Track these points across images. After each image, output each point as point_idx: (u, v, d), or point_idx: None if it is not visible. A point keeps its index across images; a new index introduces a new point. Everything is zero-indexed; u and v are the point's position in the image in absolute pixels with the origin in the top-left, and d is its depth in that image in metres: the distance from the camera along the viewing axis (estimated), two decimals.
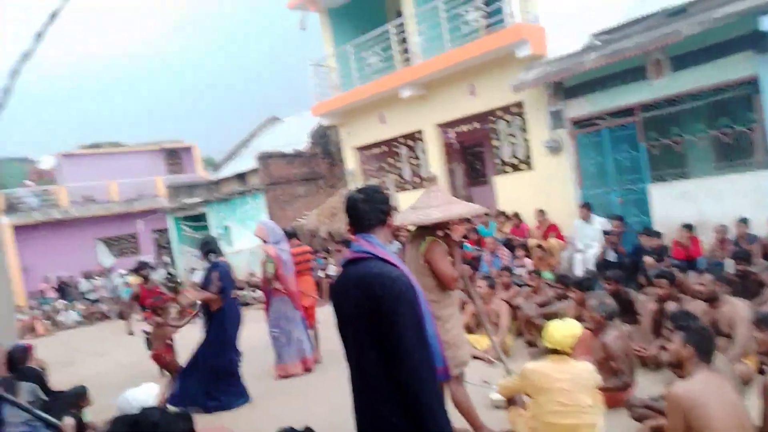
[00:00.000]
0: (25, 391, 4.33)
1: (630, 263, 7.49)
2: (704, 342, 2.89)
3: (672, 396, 2.83)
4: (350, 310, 2.18)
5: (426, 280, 3.87)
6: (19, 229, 19.77)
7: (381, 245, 2.22)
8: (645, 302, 5.62)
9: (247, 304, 12.47)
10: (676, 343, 2.93)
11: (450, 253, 4.10)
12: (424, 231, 3.91)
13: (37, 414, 0.92)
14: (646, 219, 8.41)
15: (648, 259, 7.15)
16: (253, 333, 7.21)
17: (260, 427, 5.01)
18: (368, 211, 2.28)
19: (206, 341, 5.79)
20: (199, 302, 6.06)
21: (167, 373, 6.40)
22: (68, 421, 0.84)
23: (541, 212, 9.04)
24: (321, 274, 11.81)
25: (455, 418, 4.14)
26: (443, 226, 3.98)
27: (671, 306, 5.19)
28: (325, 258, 12.29)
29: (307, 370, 6.59)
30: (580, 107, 8.85)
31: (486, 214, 9.80)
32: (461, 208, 4.03)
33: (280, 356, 6.53)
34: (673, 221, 7.58)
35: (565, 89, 8.91)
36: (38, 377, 4.81)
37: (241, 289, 12.87)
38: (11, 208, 20.18)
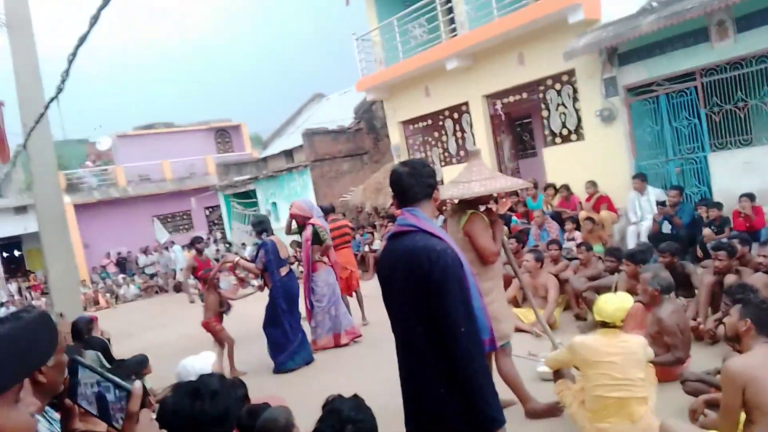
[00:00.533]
0: (90, 359, 4.58)
1: (687, 235, 7.18)
2: (764, 316, 2.78)
3: (729, 370, 2.75)
4: (397, 284, 2.18)
5: (466, 254, 3.83)
6: (79, 208, 20.76)
7: (426, 219, 2.19)
8: (702, 275, 5.39)
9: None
10: (733, 317, 2.86)
11: (491, 227, 4.05)
12: (465, 205, 3.88)
13: (109, 377, 0.97)
14: (706, 190, 8.01)
15: (706, 231, 6.85)
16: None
17: (309, 396, 5.14)
18: (413, 184, 2.26)
19: (265, 313, 6.39)
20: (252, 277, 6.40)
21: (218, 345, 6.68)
22: (137, 385, 0.88)
23: (592, 184, 8.74)
24: (366, 249, 11.91)
25: (502, 390, 4.15)
26: (485, 200, 3.95)
27: (730, 279, 4.96)
28: (371, 233, 12.36)
29: (338, 345, 6.77)
30: (636, 73, 8.44)
31: (535, 186, 9.58)
32: (503, 182, 3.95)
33: (315, 330, 6.79)
34: (735, 192, 7.19)
35: (619, 55, 8.51)
36: (102, 347, 5.07)
37: (292, 263, 13.13)
38: (72, 188, 21.18)
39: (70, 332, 5.23)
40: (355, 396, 2.11)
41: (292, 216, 7.00)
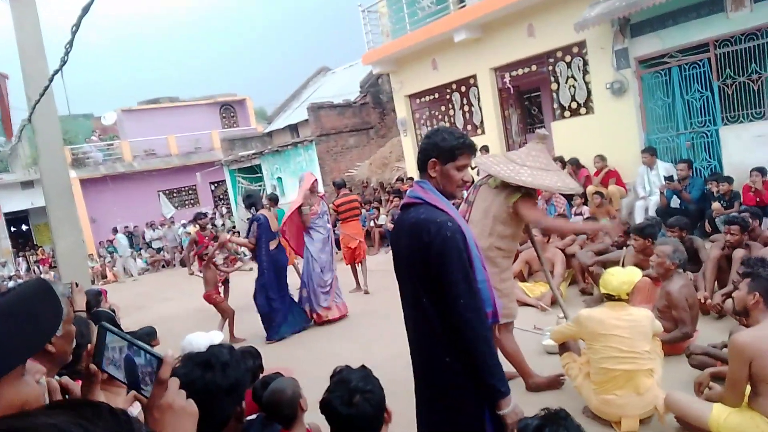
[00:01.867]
0: None
1: (696, 210, 7.12)
2: None
3: (737, 343, 2.75)
4: (403, 256, 2.20)
5: (501, 227, 3.85)
6: (86, 183, 20.82)
7: (433, 190, 2.16)
8: (711, 250, 5.35)
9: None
10: (742, 291, 2.84)
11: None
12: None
13: (139, 344, 0.96)
14: (717, 164, 7.91)
15: (716, 205, 6.78)
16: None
17: (316, 366, 5.19)
18: (419, 153, 2.24)
19: (255, 285, 6.66)
20: (242, 249, 6.58)
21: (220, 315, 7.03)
22: (169, 353, 0.88)
23: (601, 158, 8.65)
24: (372, 224, 11.91)
25: (504, 365, 4.17)
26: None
27: (739, 253, 4.92)
28: (377, 208, 12.33)
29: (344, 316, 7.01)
30: (648, 45, 8.27)
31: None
32: (551, 181, 3.82)
33: (318, 302, 6.97)
34: (746, 166, 7.08)
35: (631, 26, 8.32)
36: (111, 319, 5.13)
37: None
38: (78, 162, 21.20)
39: (85, 302, 5.29)
40: (363, 367, 2.11)
41: (313, 185, 7.00)
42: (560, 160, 9.28)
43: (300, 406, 2.51)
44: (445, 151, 2.14)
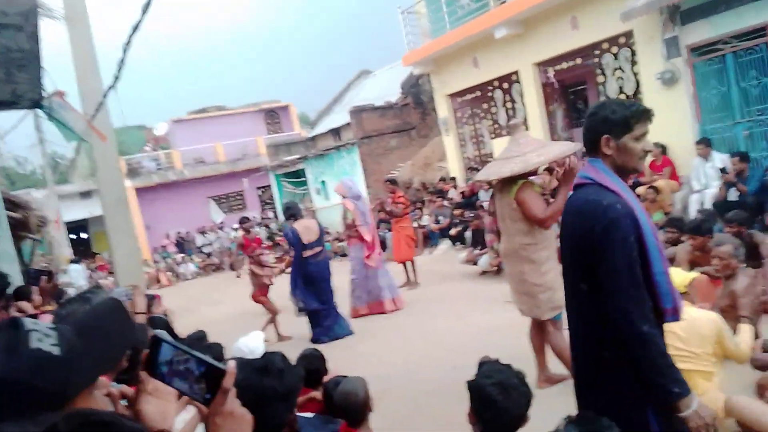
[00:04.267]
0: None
1: (754, 203, 6.77)
2: None
3: None
4: (567, 241, 2.06)
5: (519, 224, 3.87)
6: (140, 191, 21.66)
7: (605, 170, 1.95)
8: None
9: (344, 255, 12.89)
10: None
11: (561, 193, 3.95)
12: (516, 176, 3.80)
13: (196, 354, 0.98)
14: None
15: None
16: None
17: (356, 366, 5.24)
18: (586, 130, 2.03)
19: None
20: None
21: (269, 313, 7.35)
22: (231, 364, 0.90)
23: (656, 145, 8.31)
24: (416, 225, 11.88)
25: (553, 363, 4.08)
26: (534, 171, 3.91)
27: None
28: (419, 209, 12.30)
29: (382, 312, 7.27)
30: (700, 32, 7.92)
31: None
32: (558, 148, 3.84)
33: (353, 299, 7.39)
34: None
35: (681, 13, 7.99)
36: (165, 324, 5.31)
37: (341, 241, 13.28)
38: (133, 172, 22.08)
39: (145, 304, 5.51)
40: (510, 366, 2.11)
41: (336, 191, 7.72)
42: None
43: (369, 407, 2.55)
44: (617, 123, 1.93)
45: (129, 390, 1.19)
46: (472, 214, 9.36)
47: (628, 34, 8.81)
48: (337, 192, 7.56)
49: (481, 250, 8.73)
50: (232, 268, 17.12)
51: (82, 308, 2.11)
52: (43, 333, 0.89)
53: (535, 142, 3.92)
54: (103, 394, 1.07)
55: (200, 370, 1.11)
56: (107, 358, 0.98)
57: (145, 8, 3.94)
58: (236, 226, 18.93)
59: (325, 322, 6.64)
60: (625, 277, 1.81)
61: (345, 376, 2.86)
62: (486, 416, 1.99)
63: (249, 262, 7.68)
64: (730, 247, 4.03)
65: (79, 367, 0.90)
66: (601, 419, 1.64)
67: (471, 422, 2.05)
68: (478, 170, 9.62)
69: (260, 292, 7.30)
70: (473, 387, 2.03)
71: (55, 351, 0.88)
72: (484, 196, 10.08)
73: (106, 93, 5.80)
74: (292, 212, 7.05)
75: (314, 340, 6.58)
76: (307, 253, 6.70)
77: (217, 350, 3.54)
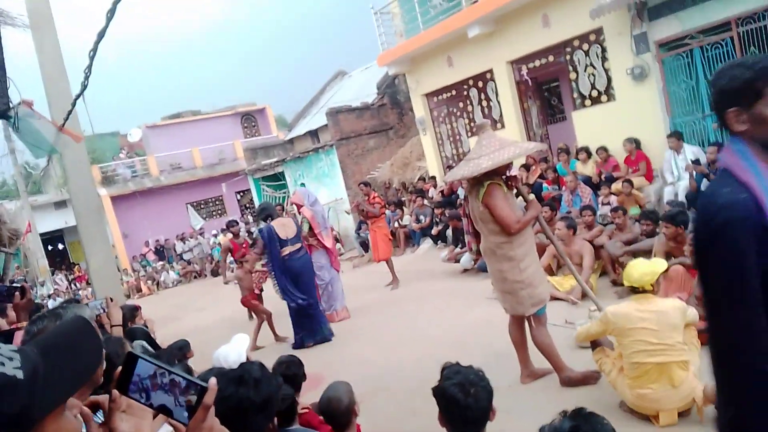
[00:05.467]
0: (137, 350, 4.73)
1: None
2: None
3: None
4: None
5: (490, 225, 3.90)
6: (116, 199, 21.32)
7: (743, 151, 1.46)
8: None
9: None
10: None
11: (518, 195, 4.05)
12: (483, 177, 3.83)
13: (173, 371, 0.95)
14: None
15: None
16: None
17: (345, 369, 5.22)
18: (713, 106, 1.57)
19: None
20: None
21: (255, 317, 7.40)
22: (213, 381, 0.88)
23: (630, 141, 8.45)
24: (396, 225, 11.90)
25: (537, 359, 4.12)
26: (501, 170, 3.90)
27: None
28: (401, 209, 12.32)
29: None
30: (668, 27, 8.07)
31: (566, 152, 9.35)
32: (510, 151, 3.85)
33: (329, 304, 7.38)
34: None
35: (649, 9, 8.14)
36: (146, 335, 5.23)
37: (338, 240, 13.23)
38: (107, 180, 21.72)
39: (121, 316, 5.42)
40: (471, 366, 2.20)
41: (292, 202, 7.80)
42: (585, 151, 9.14)
43: (354, 412, 2.54)
44: (741, 90, 1.46)
45: (101, 397, 1.17)
46: (452, 213, 9.41)
47: (598, 31, 8.94)
48: (294, 201, 7.61)
49: (461, 248, 8.78)
50: (215, 274, 16.96)
51: (52, 324, 2.08)
52: (5, 356, 0.87)
53: (496, 143, 3.91)
54: (74, 414, 1.05)
55: (179, 386, 1.10)
56: (74, 378, 0.96)
57: (110, 15, 3.88)
58: (215, 231, 18.82)
59: (309, 324, 6.60)
60: (725, 300, 1.41)
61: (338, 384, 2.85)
62: (453, 416, 2.06)
63: (237, 267, 7.62)
64: None
65: (44, 389, 0.88)
66: (596, 415, 1.61)
67: (441, 425, 2.13)
68: None
69: (251, 296, 7.30)
70: (437, 391, 2.12)
71: (19, 374, 0.86)
72: (463, 194, 10.14)
73: (74, 101, 5.70)
74: (267, 212, 7.06)
75: (298, 346, 6.54)
76: (287, 249, 6.67)
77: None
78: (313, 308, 6.65)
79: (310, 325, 6.58)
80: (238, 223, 8.09)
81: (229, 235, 8.05)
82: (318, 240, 7.33)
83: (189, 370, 4.50)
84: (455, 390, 2.04)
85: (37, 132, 5.70)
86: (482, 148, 3.88)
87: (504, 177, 3.96)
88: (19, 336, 2.24)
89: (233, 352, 3.18)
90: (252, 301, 7.29)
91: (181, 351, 5.03)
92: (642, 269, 3.30)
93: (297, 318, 6.62)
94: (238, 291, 7.62)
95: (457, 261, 8.70)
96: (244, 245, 7.69)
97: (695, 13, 7.69)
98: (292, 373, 3.11)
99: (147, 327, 5.87)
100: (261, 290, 7.51)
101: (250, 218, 21.33)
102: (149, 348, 4.86)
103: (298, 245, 6.79)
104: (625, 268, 3.48)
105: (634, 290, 3.32)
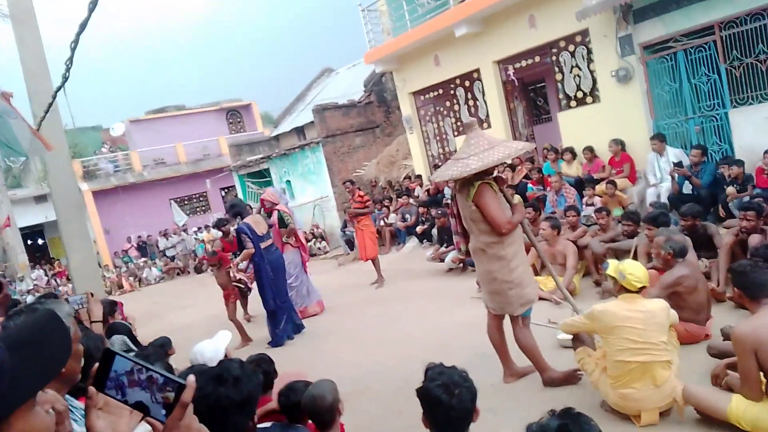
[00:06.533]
0: (117, 344, 4.66)
1: (708, 195, 7.02)
2: (750, 280, 2.78)
3: (736, 335, 2.75)
4: None
5: (480, 225, 3.89)
6: (97, 194, 21.01)
7: None
8: (724, 237, 5.27)
9: (313, 255, 12.81)
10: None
11: (504, 196, 4.04)
12: (473, 176, 3.81)
13: (151, 368, 0.93)
14: (727, 147, 7.79)
15: (730, 190, 6.68)
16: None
17: (326, 369, 5.20)
18: None
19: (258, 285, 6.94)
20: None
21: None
22: (191, 378, 0.86)
23: (615, 142, 8.51)
24: (382, 223, 11.89)
25: (520, 359, 4.14)
26: (490, 170, 3.89)
27: (755, 239, 4.84)
28: (387, 207, 12.31)
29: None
30: (652, 30, 8.16)
31: (555, 152, 9.40)
32: (500, 152, 3.83)
33: (301, 300, 7.55)
34: (758, 148, 6.97)
35: (634, 11, 8.21)
36: (127, 331, 5.16)
37: (308, 240, 13.19)
38: (89, 174, 21.39)
39: (101, 312, 5.34)
40: (454, 367, 2.20)
41: (261, 201, 7.73)
42: (570, 151, 9.21)
43: (338, 411, 2.53)
44: None
45: (56, 398, 1.15)
46: (439, 212, 9.42)
47: (584, 33, 9.01)
48: (268, 199, 7.56)
49: (447, 247, 8.80)
50: (198, 271, 16.81)
51: None
52: None
53: (484, 143, 3.88)
54: (45, 410, 1.03)
55: (157, 384, 1.08)
56: (42, 373, 0.94)
57: (92, 6, 3.81)
58: (199, 227, 18.65)
59: (283, 321, 6.72)
60: None
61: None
62: (436, 417, 2.07)
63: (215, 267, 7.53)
64: (662, 239, 4.17)
65: (11, 384, 0.86)
66: (583, 415, 1.63)
67: (425, 426, 2.14)
68: None
69: (231, 289, 7.23)
70: (421, 392, 2.13)
71: None
72: (449, 194, 10.16)
73: (54, 94, 5.60)
74: (238, 210, 7.21)
75: (275, 344, 6.55)
76: (263, 244, 6.80)
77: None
78: (287, 303, 6.87)
79: (283, 324, 6.71)
80: (228, 222, 7.97)
81: (219, 234, 7.95)
82: (296, 238, 7.48)
83: (170, 368, 4.44)
84: (439, 391, 2.05)
85: (11, 131, 5.56)
86: (471, 148, 3.86)
87: (493, 177, 3.95)
88: None
89: (209, 348, 3.14)
90: (232, 296, 7.23)
91: (162, 348, 4.97)
92: (643, 270, 3.33)
93: (272, 316, 6.72)
94: (220, 288, 7.55)
95: (442, 260, 8.73)
96: (233, 243, 7.63)
97: (679, 17, 7.78)
98: (262, 370, 3.09)
99: (129, 323, 5.81)
100: (249, 290, 7.47)
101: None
102: (129, 343, 4.80)
103: (270, 241, 6.95)
104: (621, 268, 3.37)
105: (624, 290, 3.33)
